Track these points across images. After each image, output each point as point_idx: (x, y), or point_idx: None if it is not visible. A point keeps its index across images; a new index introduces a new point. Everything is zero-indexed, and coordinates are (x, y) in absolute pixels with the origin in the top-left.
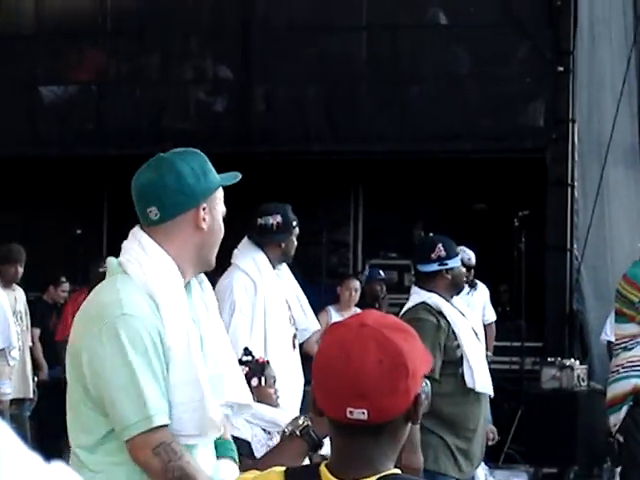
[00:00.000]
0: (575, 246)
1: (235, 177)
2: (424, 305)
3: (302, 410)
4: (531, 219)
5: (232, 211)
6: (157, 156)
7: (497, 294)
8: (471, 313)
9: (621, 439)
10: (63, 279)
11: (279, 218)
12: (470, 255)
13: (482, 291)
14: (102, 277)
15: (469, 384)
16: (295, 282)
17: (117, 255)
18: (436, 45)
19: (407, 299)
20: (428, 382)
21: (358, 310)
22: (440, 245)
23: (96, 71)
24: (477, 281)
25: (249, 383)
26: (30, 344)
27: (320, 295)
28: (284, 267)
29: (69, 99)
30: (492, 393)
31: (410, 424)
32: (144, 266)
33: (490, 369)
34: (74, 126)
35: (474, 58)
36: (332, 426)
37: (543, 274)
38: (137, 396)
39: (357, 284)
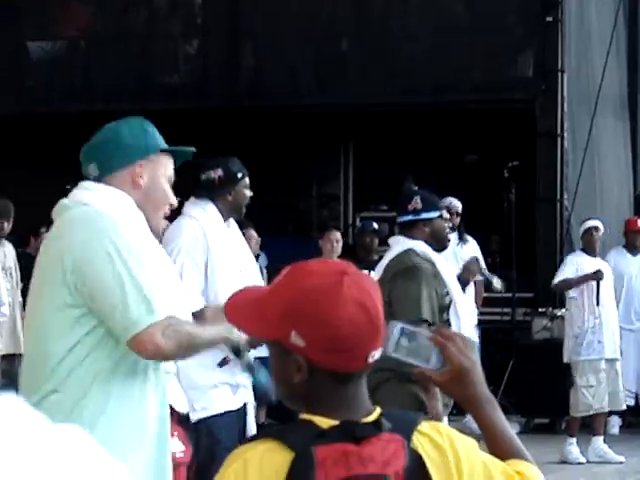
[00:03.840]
0: (565, 197)
1: (188, 148)
2: (413, 251)
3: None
4: (521, 170)
5: None
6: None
7: (488, 244)
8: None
9: None
10: (43, 229)
11: (220, 172)
12: (452, 200)
13: (472, 245)
14: None
15: (454, 329)
16: (244, 240)
17: None
18: None
19: None
20: None
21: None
22: (417, 197)
23: (84, 26)
24: (467, 235)
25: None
26: (20, 299)
27: (311, 248)
28: (233, 224)
29: (57, 55)
30: (477, 340)
31: None
32: (105, 199)
33: (481, 320)
34: (62, 82)
35: (463, 10)
36: (331, 379)
37: (533, 225)
38: (139, 294)
39: (338, 235)
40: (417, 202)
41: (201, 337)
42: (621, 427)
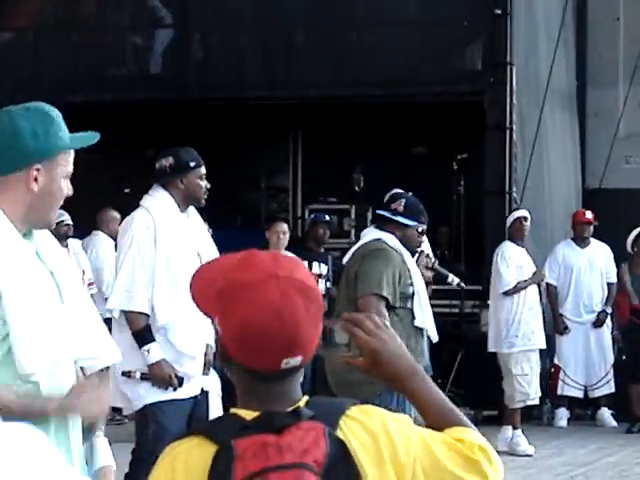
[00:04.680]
0: (514, 189)
1: (91, 138)
2: (383, 241)
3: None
4: (470, 162)
5: None
6: (3, 110)
7: (437, 236)
8: None
9: None
10: None
11: (171, 159)
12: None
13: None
14: None
15: (417, 322)
16: (205, 229)
17: None
18: None
19: (347, 243)
20: None
21: (289, 254)
22: (403, 200)
23: (32, 17)
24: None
25: None
26: None
27: (259, 240)
28: (193, 213)
29: (4, 46)
30: (436, 337)
31: None
32: None
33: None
34: (11, 73)
35: (412, 2)
36: (250, 375)
37: (482, 217)
38: None
39: (285, 227)
40: (400, 205)
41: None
42: (569, 419)
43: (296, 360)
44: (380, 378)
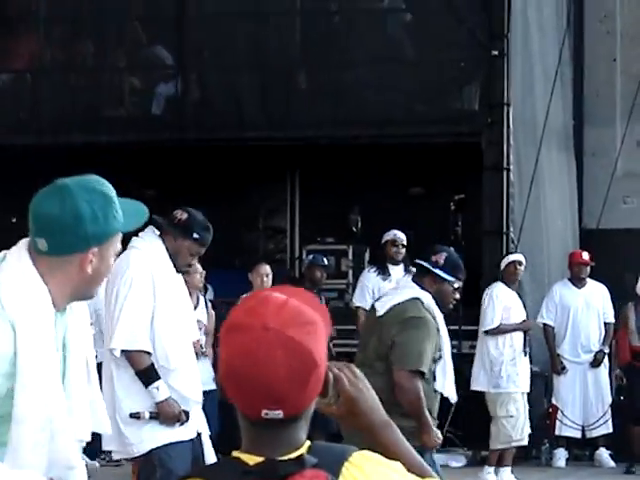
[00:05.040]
0: (511, 230)
1: (142, 217)
2: (420, 301)
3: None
4: (467, 203)
5: (167, 196)
6: (62, 184)
7: None
8: None
9: None
10: None
11: (185, 217)
12: (396, 232)
13: None
14: None
15: (437, 386)
16: (183, 283)
17: None
18: (370, 31)
19: (345, 284)
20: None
21: (317, 302)
22: (444, 255)
23: (30, 58)
24: (413, 268)
25: None
26: None
27: None
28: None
29: (3, 87)
30: (455, 399)
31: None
32: (12, 290)
33: None
34: (8, 115)
35: (409, 43)
36: (244, 419)
37: (480, 258)
38: None
39: (267, 269)
40: (442, 258)
41: None
42: (567, 460)
43: (275, 413)
44: (353, 427)
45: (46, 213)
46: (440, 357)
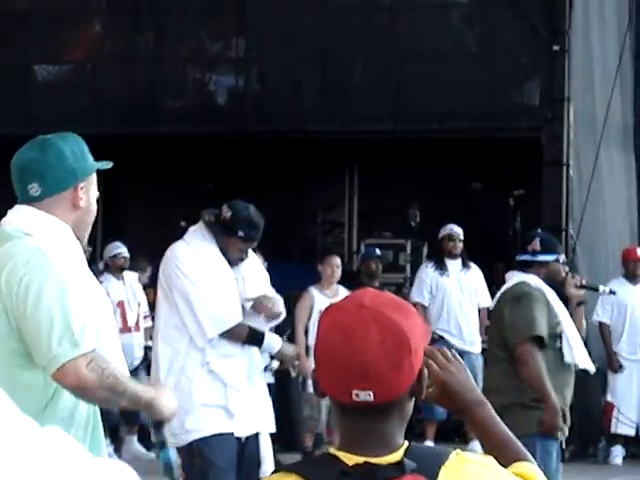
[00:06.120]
0: (570, 225)
1: (107, 163)
2: (525, 283)
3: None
4: (526, 198)
5: (225, 189)
6: (38, 137)
7: (493, 273)
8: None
9: None
10: None
11: (229, 215)
12: (453, 227)
13: (475, 273)
14: None
15: (567, 358)
16: (258, 268)
17: None
18: (431, 25)
19: (402, 278)
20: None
21: (341, 288)
22: (537, 239)
23: (90, 50)
24: (471, 263)
25: None
26: None
27: (315, 276)
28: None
29: (63, 78)
30: (593, 368)
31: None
32: (46, 235)
33: (483, 349)
34: (68, 105)
35: (470, 37)
36: (338, 409)
37: None
38: (67, 328)
39: (338, 260)
40: (536, 244)
41: (125, 386)
42: (624, 458)
43: (366, 394)
44: (448, 409)
45: (31, 160)
46: (561, 332)
